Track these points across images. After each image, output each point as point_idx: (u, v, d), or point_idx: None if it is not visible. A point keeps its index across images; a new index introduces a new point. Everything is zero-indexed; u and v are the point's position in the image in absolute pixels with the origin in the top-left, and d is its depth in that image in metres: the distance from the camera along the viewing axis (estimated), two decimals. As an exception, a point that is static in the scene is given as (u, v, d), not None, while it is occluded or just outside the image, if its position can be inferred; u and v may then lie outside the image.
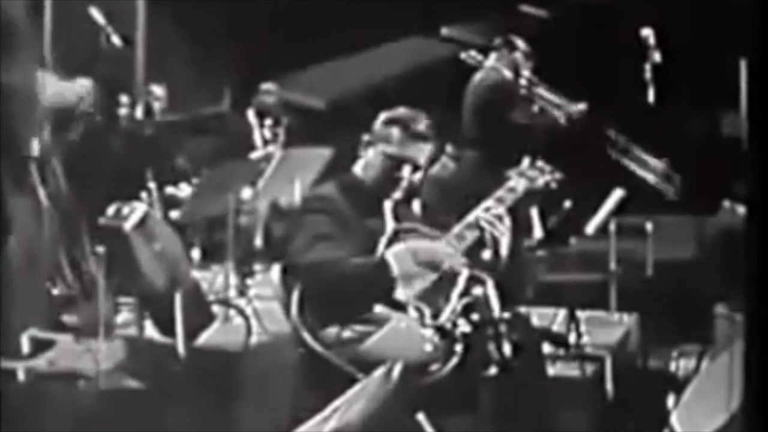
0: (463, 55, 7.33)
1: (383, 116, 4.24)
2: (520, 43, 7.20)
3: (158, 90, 8.02)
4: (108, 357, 4.97)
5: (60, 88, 5.02)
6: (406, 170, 4.17)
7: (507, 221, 4.24)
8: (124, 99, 7.75)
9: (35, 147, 4.75)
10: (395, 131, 4.18)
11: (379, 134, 4.21)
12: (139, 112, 7.78)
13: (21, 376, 4.77)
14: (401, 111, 4.25)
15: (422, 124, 4.20)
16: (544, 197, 4.75)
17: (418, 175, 4.20)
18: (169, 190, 7.23)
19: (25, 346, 4.89)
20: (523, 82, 7.04)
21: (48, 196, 4.91)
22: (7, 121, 4.54)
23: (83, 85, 5.29)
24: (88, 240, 5.28)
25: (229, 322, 6.11)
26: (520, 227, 5.35)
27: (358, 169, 4.27)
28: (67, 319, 5.40)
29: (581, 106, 6.98)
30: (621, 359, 5.53)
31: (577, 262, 6.55)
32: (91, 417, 4.62)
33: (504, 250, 4.18)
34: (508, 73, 7.15)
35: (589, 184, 5.31)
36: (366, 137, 4.24)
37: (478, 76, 7.25)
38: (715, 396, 3.56)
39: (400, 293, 3.93)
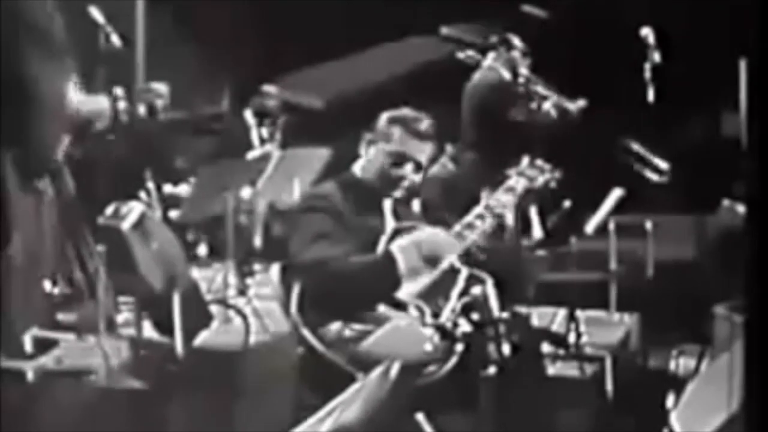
0: (460, 55, 7.33)
1: (386, 115, 4.24)
2: (517, 42, 7.21)
3: (161, 87, 7.99)
4: (114, 354, 4.99)
5: (80, 100, 5.04)
6: (407, 169, 4.17)
7: (514, 209, 4.26)
8: (122, 98, 7.73)
9: (58, 154, 4.80)
10: (397, 130, 4.18)
11: (381, 133, 4.21)
12: (141, 110, 7.76)
13: (30, 375, 4.78)
14: (404, 111, 4.25)
15: (424, 124, 4.21)
16: (544, 197, 4.75)
17: (419, 175, 4.21)
18: (168, 189, 7.23)
19: (28, 346, 4.90)
20: (521, 80, 7.05)
21: (54, 196, 4.93)
22: (26, 129, 4.57)
23: (103, 102, 5.31)
24: (92, 239, 5.29)
25: (229, 322, 6.10)
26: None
27: (357, 168, 4.27)
28: (63, 317, 5.40)
29: (581, 103, 6.98)
30: (621, 359, 5.52)
31: (577, 262, 6.54)
32: (90, 416, 4.62)
33: (517, 236, 4.21)
34: (505, 72, 7.15)
35: (588, 184, 5.31)
36: (368, 136, 4.24)
37: (476, 77, 7.26)
38: (715, 396, 3.55)
39: (405, 289, 3.93)
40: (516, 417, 4.02)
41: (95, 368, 4.81)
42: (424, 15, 8.79)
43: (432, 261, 4.02)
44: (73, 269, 5.19)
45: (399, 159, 4.16)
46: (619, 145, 5.96)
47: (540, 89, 7.05)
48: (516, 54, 7.17)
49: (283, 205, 7.00)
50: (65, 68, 4.62)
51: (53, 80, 4.54)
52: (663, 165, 5.90)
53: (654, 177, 5.86)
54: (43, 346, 4.93)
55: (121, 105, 6.99)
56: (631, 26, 6.10)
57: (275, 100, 8.34)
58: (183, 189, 7.28)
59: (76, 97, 4.84)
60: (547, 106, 6.99)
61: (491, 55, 7.27)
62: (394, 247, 3.99)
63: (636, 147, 5.90)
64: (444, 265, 4.04)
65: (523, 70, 7.11)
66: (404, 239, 4.03)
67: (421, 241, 4.03)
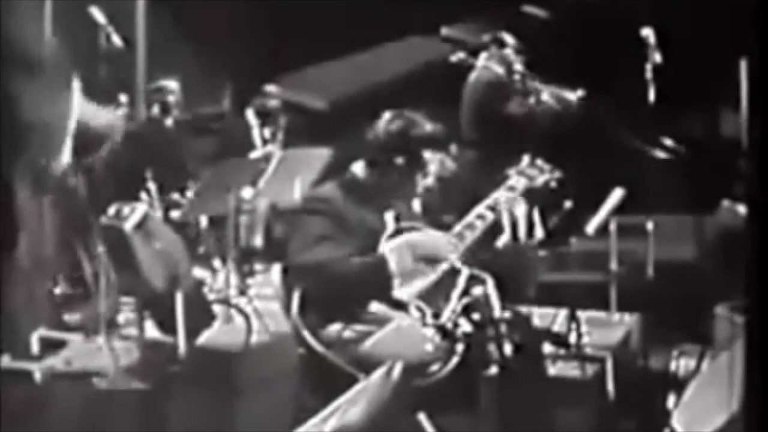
0: (453, 59, 7.35)
1: (395, 123, 4.22)
2: (509, 39, 7.22)
3: (172, 84, 7.97)
4: (123, 356, 5.01)
5: (91, 113, 5.05)
6: (419, 177, 4.18)
7: (523, 206, 4.26)
8: (123, 99, 7.74)
9: (59, 167, 4.81)
10: (409, 139, 4.17)
11: (390, 140, 4.20)
12: (155, 110, 7.76)
13: (38, 376, 4.79)
14: (412, 116, 4.24)
15: (433, 131, 4.20)
16: (544, 197, 4.75)
17: (429, 181, 4.21)
18: (170, 190, 7.22)
19: (35, 347, 4.91)
20: (516, 77, 7.06)
21: (61, 198, 4.96)
22: (29, 145, 4.59)
23: (115, 115, 5.34)
24: (97, 240, 5.32)
25: (230, 321, 6.11)
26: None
27: (358, 168, 4.27)
28: (69, 318, 5.42)
29: (579, 92, 6.98)
30: (621, 359, 5.53)
31: (578, 262, 6.54)
32: (96, 416, 4.63)
33: (522, 234, 4.21)
34: (500, 70, 7.17)
35: (589, 184, 5.31)
36: (376, 143, 4.22)
37: (472, 76, 7.27)
38: (716, 396, 3.56)
39: (399, 291, 3.94)
40: (517, 417, 4.03)
41: (104, 369, 4.83)
42: (424, 15, 8.80)
43: (429, 261, 4.02)
44: (78, 270, 5.21)
45: (411, 167, 4.17)
46: (623, 138, 5.97)
47: (537, 84, 7.06)
48: (509, 51, 7.19)
49: (284, 205, 7.00)
50: (63, 90, 4.63)
51: (52, 107, 4.55)
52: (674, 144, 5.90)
53: (665, 155, 5.87)
54: (49, 346, 4.95)
55: (122, 110, 7.02)
56: (631, 26, 6.11)
57: (277, 100, 8.35)
58: (185, 190, 7.28)
59: (82, 109, 4.85)
60: (545, 96, 6.99)
61: (484, 55, 7.28)
62: (386, 248, 4.00)
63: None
64: (444, 265, 4.04)
65: (518, 67, 7.12)
66: (396, 240, 4.03)
67: (415, 243, 4.03)
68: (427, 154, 4.18)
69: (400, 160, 4.16)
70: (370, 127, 4.25)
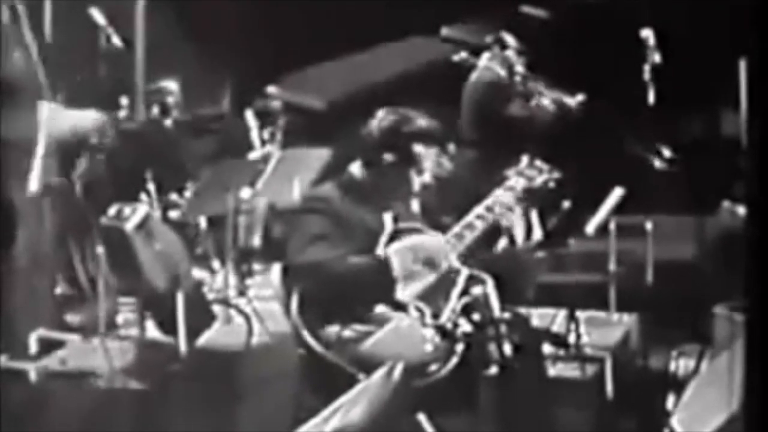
0: (455, 58, 7.36)
1: (387, 120, 4.21)
2: (511, 40, 7.23)
3: (171, 85, 7.96)
4: (118, 356, 5.01)
5: (71, 119, 5.06)
6: (413, 174, 4.18)
7: (518, 210, 4.26)
8: (123, 101, 7.74)
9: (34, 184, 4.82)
10: (401, 135, 4.17)
11: (383, 137, 4.19)
12: (154, 111, 7.76)
13: (33, 376, 4.79)
14: (407, 113, 4.24)
15: (425, 126, 4.20)
16: (543, 197, 4.76)
17: (426, 178, 4.21)
18: (169, 190, 7.23)
19: (33, 346, 4.91)
20: (517, 78, 7.08)
21: (60, 198, 4.96)
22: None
23: (94, 116, 5.33)
24: (96, 240, 5.32)
25: (230, 322, 6.11)
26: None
27: (356, 168, 4.26)
28: (71, 318, 5.42)
29: (579, 98, 6.99)
30: (621, 359, 5.53)
31: (577, 263, 6.54)
32: (93, 417, 4.63)
33: (519, 238, 4.21)
34: (501, 71, 7.18)
35: (589, 184, 5.32)
36: (371, 141, 4.22)
37: (473, 77, 7.28)
38: (715, 396, 3.56)
39: (401, 292, 3.94)
40: (517, 417, 4.03)
41: (99, 369, 4.83)
42: (424, 15, 8.80)
43: (429, 264, 4.03)
44: (77, 270, 5.21)
45: (406, 164, 4.16)
46: (622, 139, 5.97)
47: (538, 87, 7.07)
48: (510, 53, 7.20)
49: (283, 205, 7.00)
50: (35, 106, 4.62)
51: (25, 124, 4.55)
52: (668, 153, 5.91)
53: (659, 164, 5.88)
54: (49, 347, 4.94)
55: (122, 113, 7.02)
56: (631, 27, 6.11)
57: (276, 100, 8.35)
58: (184, 190, 7.28)
59: (62, 118, 4.85)
60: (545, 101, 7.00)
61: (486, 55, 7.29)
62: (390, 251, 4.00)
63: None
64: (444, 266, 4.05)
65: (519, 68, 7.14)
66: (400, 243, 4.03)
67: (417, 245, 4.03)
68: (419, 149, 4.17)
69: (392, 157, 4.15)
70: (364, 126, 4.24)
